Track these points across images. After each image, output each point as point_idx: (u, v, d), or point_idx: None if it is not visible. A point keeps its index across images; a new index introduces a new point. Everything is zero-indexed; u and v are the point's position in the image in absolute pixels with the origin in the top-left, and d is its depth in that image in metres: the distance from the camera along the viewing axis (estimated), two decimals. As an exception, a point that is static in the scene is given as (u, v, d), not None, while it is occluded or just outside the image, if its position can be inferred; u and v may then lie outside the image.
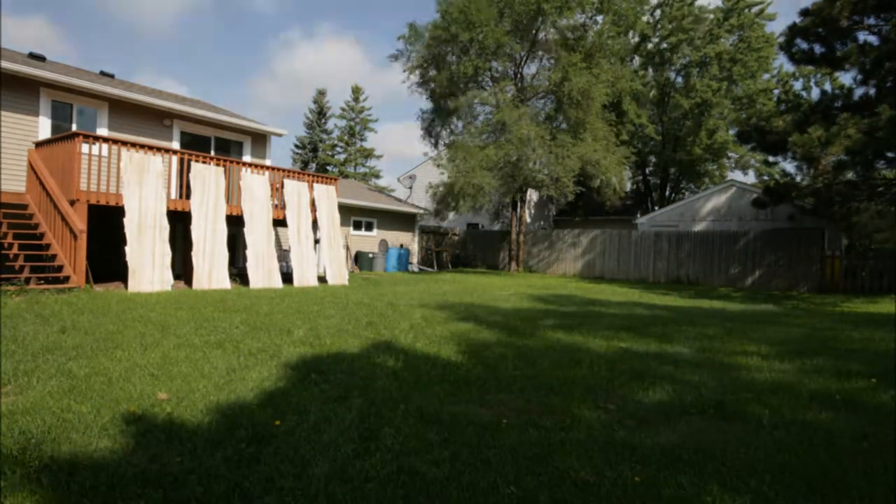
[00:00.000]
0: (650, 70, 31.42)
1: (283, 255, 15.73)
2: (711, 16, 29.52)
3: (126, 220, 9.96)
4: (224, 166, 11.91)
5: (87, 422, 3.10)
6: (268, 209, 12.33)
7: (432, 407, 3.60)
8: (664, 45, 30.19)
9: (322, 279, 13.64)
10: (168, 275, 10.26)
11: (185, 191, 11.47)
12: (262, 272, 11.82)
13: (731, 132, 27.34)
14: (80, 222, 9.30)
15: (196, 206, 11.13)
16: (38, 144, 11.17)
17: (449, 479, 2.54)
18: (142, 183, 10.32)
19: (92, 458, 2.63)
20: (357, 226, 21.47)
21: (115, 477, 2.44)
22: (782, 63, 30.29)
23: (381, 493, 2.39)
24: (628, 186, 33.50)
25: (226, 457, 2.70)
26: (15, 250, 9.12)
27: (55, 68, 12.83)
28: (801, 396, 4.12)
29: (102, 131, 12.60)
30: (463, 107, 22.98)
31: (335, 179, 14.95)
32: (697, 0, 29.80)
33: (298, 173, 13.80)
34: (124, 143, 10.39)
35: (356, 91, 49.50)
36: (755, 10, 29.10)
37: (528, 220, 29.34)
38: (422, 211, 24.82)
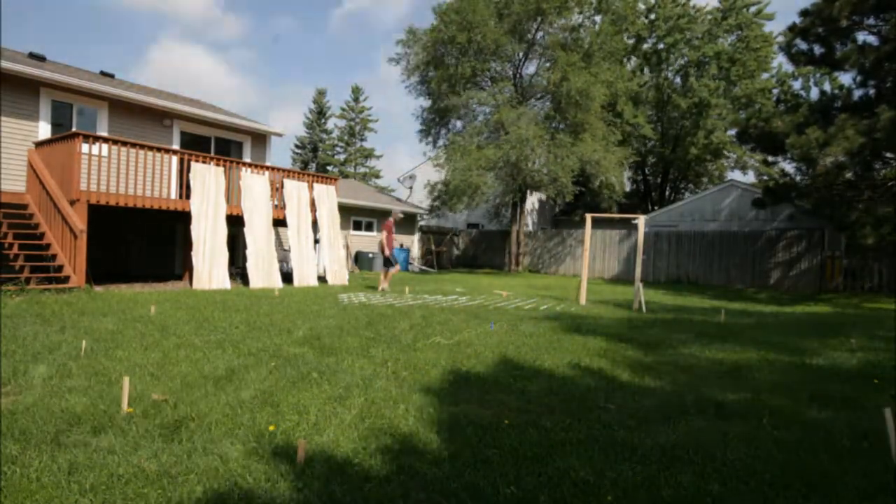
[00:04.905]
0: (647, 70, 31.43)
1: (283, 255, 15.74)
2: (709, 16, 29.52)
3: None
4: (224, 166, 11.91)
5: (89, 422, 3.10)
6: (268, 209, 12.33)
7: (432, 406, 3.60)
8: (661, 46, 30.20)
9: (322, 279, 13.64)
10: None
11: (185, 191, 11.47)
12: (262, 272, 11.81)
13: (730, 132, 27.35)
14: (80, 222, 9.30)
15: (196, 206, 11.12)
16: (38, 144, 11.16)
17: (449, 479, 2.54)
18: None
19: (91, 458, 2.63)
20: (357, 226, 21.47)
21: (114, 478, 2.44)
22: (781, 63, 30.28)
23: (381, 492, 2.39)
24: (628, 187, 33.50)
25: (226, 457, 2.70)
26: (15, 250, 9.11)
27: (55, 68, 12.83)
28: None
29: (102, 131, 12.60)
30: (461, 107, 23.01)
31: (335, 179, 14.95)
32: (694, 0, 29.84)
33: (298, 173, 13.80)
34: (124, 143, 10.39)
35: (356, 91, 49.54)
36: (753, 9, 29.10)
37: (529, 220, 29.35)
38: (422, 211, 24.81)
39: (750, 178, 31.33)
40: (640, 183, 35.22)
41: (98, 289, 9.64)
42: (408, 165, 62.67)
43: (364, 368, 4.61)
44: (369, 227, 22.10)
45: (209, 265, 11.01)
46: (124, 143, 10.40)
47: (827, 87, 26.80)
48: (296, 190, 13.14)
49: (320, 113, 49.65)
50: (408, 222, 24.15)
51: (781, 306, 12.28)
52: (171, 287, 11.04)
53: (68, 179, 9.76)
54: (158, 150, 10.92)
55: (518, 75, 24.03)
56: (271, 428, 3.10)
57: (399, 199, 27.47)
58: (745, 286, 18.59)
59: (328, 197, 14.02)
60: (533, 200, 30.25)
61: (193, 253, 10.89)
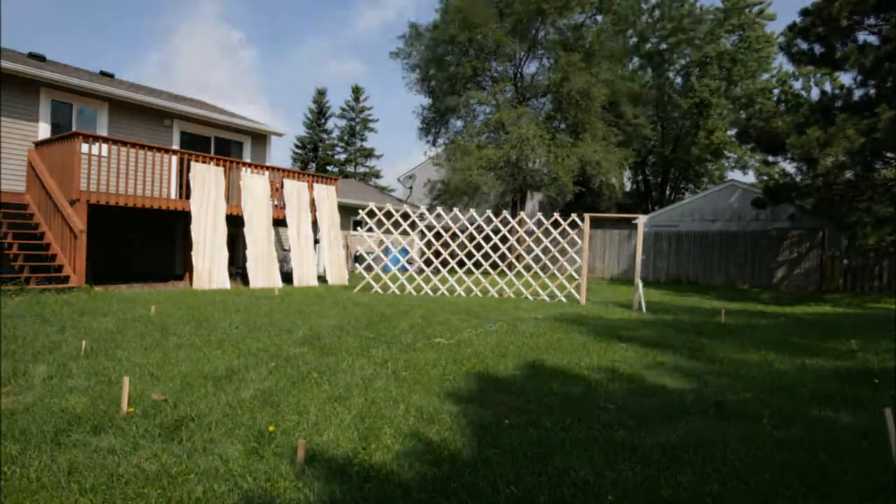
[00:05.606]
0: (649, 70, 31.41)
1: (283, 255, 15.73)
2: (711, 16, 29.51)
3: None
4: (224, 166, 11.91)
5: (89, 422, 3.09)
6: (268, 209, 12.33)
7: (432, 406, 3.60)
8: (663, 46, 30.18)
9: (322, 279, 13.64)
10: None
11: (185, 191, 11.47)
12: (262, 272, 11.81)
13: (731, 132, 27.32)
14: (80, 222, 9.30)
15: (196, 206, 11.13)
16: (38, 144, 11.16)
17: (449, 479, 2.54)
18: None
19: (91, 458, 2.63)
20: (357, 226, 21.45)
21: (114, 478, 2.44)
22: (782, 63, 30.24)
23: (381, 492, 2.39)
24: (628, 187, 33.48)
25: (226, 457, 2.70)
26: (15, 250, 9.12)
27: (55, 68, 12.83)
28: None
29: (102, 131, 12.60)
30: (462, 106, 23.03)
31: (335, 179, 14.95)
32: (697, 0, 29.81)
33: (298, 173, 13.81)
34: (124, 143, 10.40)
35: (356, 91, 49.52)
36: (755, 10, 29.09)
37: (529, 220, 29.33)
38: (422, 211, 24.80)
39: (750, 178, 31.31)
40: (641, 183, 35.19)
41: (98, 289, 9.64)
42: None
43: (364, 368, 4.61)
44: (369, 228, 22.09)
45: (209, 265, 11.01)
46: (124, 143, 10.40)
47: (827, 86, 26.72)
48: (296, 190, 13.14)
49: (320, 113, 49.63)
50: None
51: (782, 306, 12.27)
52: (171, 287, 11.04)
53: (68, 179, 9.77)
54: (158, 150, 10.92)
55: (519, 75, 24.05)
56: (271, 428, 3.10)
57: (400, 200, 27.46)
58: (746, 286, 18.59)
59: (328, 197, 14.02)
60: (533, 201, 30.24)
61: (193, 253, 10.90)
